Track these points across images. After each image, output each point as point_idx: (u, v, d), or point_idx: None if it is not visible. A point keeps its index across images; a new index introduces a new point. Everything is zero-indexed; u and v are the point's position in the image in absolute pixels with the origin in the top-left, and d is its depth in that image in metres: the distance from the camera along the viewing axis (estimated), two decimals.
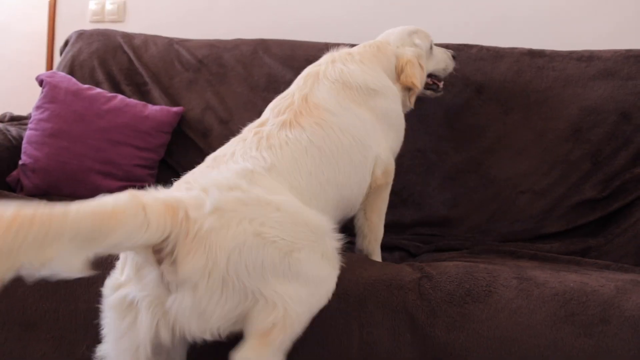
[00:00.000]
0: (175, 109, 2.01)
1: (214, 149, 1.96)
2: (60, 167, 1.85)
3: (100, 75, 2.09)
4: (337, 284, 1.03)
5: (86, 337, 1.16)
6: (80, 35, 2.17)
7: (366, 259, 1.36)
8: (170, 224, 0.91)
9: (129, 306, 1.00)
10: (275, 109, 1.33)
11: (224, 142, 1.96)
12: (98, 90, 1.98)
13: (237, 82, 2.04)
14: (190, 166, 1.98)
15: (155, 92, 2.08)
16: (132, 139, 1.92)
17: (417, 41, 1.64)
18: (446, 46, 1.93)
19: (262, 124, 1.29)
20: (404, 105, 1.57)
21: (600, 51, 1.88)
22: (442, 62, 1.76)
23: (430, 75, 1.73)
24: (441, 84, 1.78)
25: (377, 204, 1.44)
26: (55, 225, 0.82)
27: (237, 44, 2.10)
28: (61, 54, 2.21)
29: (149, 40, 2.16)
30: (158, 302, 0.96)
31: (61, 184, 1.86)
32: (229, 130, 2.00)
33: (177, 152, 2.03)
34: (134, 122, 1.93)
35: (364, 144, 1.33)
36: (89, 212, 0.86)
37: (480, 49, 1.91)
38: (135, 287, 0.99)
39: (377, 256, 1.47)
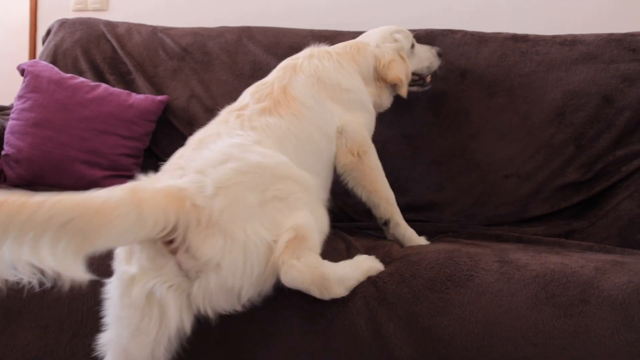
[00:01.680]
0: (160, 97, 2.00)
1: None
2: (44, 157, 1.84)
3: (83, 65, 2.07)
4: None
5: (72, 325, 1.17)
6: (63, 24, 2.15)
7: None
8: (174, 217, 0.91)
9: (149, 299, 0.97)
10: (256, 94, 1.37)
11: None
12: (81, 79, 1.96)
13: (222, 70, 2.03)
14: None
15: (140, 81, 2.06)
16: (116, 128, 1.91)
17: (398, 36, 1.67)
18: (430, 32, 1.93)
19: (243, 108, 1.32)
20: (378, 106, 1.63)
21: (583, 35, 1.89)
22: (426, 60, 1.77)
23: (414, 73, 1.75)
24: (428, 78, 1.80)
25: (368, 173, 1.44)
26: (26, 213, 0.78)
27: (222, 31, 2.09)
28: (43, 43, 2.18)
29: (132, 28, 2.14)
30: (182, 289, 0.97)
31: (45, 174, 1.85)
32: (214, 117, 1.99)
33: (162, 140, 2.02)
34: (118, 111, 1.91)
35: (331, 138, 1.40)
36: (71, 203, 0.82)
37: (465, 34, 1.91)
38: (154, 278, 0.97)
39: (399, 217, 1.47)
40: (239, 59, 2.02)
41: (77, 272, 0.84)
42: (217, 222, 0.94)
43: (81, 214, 0.82)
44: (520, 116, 1.83)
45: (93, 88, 1.93)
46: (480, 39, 1.88)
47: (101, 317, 1.07)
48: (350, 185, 1.45)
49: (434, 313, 1.02)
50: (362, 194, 1.46)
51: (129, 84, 2.07)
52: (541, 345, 0.97)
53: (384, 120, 1.68)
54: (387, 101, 1.66)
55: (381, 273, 1.10)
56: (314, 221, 1.05)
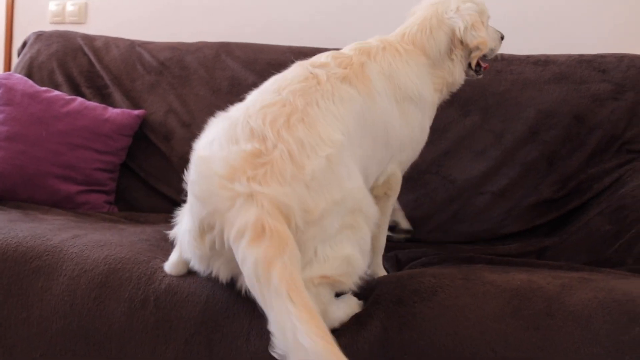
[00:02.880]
0: (136, 111, 1.99)
1: (176, 152, 1.99)
2: (17, 171, 1.81)
3: (59, 78, 2.06)
4: None
5: (39, 345, 1.14)
6: (39, 36, 2.14)
7: None
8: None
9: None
10: (337, 59, 1.28)
11: (187, 145, 1.97)
12: (56, 92, 1.95)
13: (200, 85, 2.03)
14: (152, 169, 2.00)
15: (117, 95, 2.06)
16: (91, 142, 1.89)
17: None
18: None
19: (324, 66, 1.25)
20: (450, 86, 1.49)
21: (555, 56, 1.93)
22: (493, 41, 1.59)
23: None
24: (484, 66, 1.59)
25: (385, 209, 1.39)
26: None
27: (200, 46, 2.10)
28: (19, 55, 2.16)
29: (110, 42, 2.14)
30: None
31: (18, 189, 1.82)
32: (191, 133, 1.99)
33: (138, 155, 2.01)
34: (94, 125, 1.90)
35: (388, 142, 1.31)
36: None
37: None
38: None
39: (378, 267, 1.38)
40: (217, 75, 2.03)
41: None
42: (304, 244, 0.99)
43: None
44: (495, 134, 1.86)
45: (68, 102, 1.92)
46: None
47: (71, 338, 1.07)
48: None
49: (403, 327, 1.02)
50: None
51: (105, 98, 2.06)
52: (509, 358, 0.97)
53: None
54: (460, 77, 1.50)
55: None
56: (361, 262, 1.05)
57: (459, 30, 1.45)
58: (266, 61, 1.98)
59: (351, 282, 1.03)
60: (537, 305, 1.03)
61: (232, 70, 2.02)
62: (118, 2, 2.41)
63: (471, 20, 1.45)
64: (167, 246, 1.30)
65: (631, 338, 0.99)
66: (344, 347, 0.99)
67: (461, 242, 1.79)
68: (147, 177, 1.99)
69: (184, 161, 1.96)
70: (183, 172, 1.93)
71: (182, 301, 1.09)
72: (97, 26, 2.37)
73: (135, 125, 1.98)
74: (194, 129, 1.99)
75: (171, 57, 2.08)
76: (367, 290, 1.11)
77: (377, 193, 1.36)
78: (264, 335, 1.03)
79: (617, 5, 2.07)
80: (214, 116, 1.96)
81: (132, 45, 2.12)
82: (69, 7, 2.43)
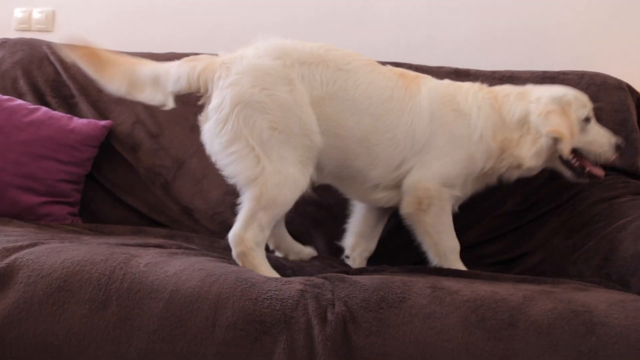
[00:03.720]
0: (103, 122, 1.96)
1: (143, 164, 1.96)
2: None
3: (23, 86, 2.02)
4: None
5: None
6: (3, 44, 2.10)
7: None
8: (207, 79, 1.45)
9: None
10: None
11: (154, 156, 1.97)
12: (19, 101, 1.91)
13: None
14: (119, 181, 1.97)
15: (84, 105, 2.03)
16: (55, 153, 1.85)
17: (569, 97, 1.55)
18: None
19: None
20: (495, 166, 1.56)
21: (520, 72, 1.98)
22: (598, 145, 1.56)
23: (575, 151, 1.56)
24: (589, 167, 1.57)
25: (424, 228, 1.54)
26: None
27: (170, 57, 2.06)
28: None
29: None
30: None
31: None
32: (159, 144, 1.98)
33: (104, 166, 1.98)
34: (58, 136, 1.86)
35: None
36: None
37: (409, 67, 1.97)
38: None
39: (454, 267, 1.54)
40: None
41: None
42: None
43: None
44: None
45: (32, 111, 1.88)
46: (423, 72, 1.94)
47: (27, 346, 1.03)
48: None
49: (368, 333, 1.02)
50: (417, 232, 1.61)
51: (72, 108, 2.03)
52: None
53: None
54: (527, 155, 1.52)
55: (322, 290, 1.11)
56: None
57: (532, 114, 1.52)
58: None
59: None
60: (500, 315, 1.05)
61: None
62: (87, 11, 2.38)
63: (546, 109, 1.50)
64: (127, 248, 1.27)
65: (588, 348, 1.01)
66: (304, 343, 1.00)
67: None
68: (113, 188, 1.96)
69: (151, 173, 1.97)
70: (150, 184, 1.94)
71: (145, 298, 1.07)
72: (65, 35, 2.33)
73: (101, 136, 1.95)
74: (161, 140, 1.98)
75: None
76: (336, 291, 1.11)
77: (412, 203, 1.54)
78: (230, 326, 1.03)
79: (578, 25, 2.14)
80: (182, 128, 1.98)
81: None
82: (36, 15, 2.39)
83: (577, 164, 1.58)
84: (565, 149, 1.47)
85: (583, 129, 1.55)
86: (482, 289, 1.11)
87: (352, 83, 1.47)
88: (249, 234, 1.36)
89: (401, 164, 1.51)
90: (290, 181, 1.37)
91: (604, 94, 1.82)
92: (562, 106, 1.50)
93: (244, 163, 1.37)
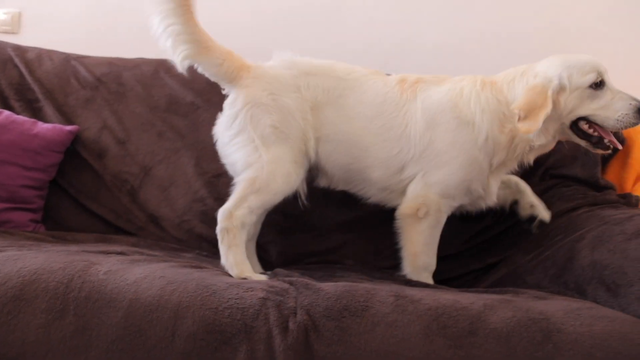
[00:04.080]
0: (69, 127, 1.93)
1: (109, 170, 1.93)
2: None
3: None
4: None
5: None
6: None
7: None
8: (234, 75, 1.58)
9: None
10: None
11: (121, 163, 1.94)
12: None
13: (137, 102, 1.99)
14: (84, 188, 1.94)
15: (49, 110, 1.98)
16: (18, 158, 1.81)
17: (562, 72, 1.48)
18: None
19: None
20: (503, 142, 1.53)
21: None
22: (611, 109, 1.47)
23: (586, 120, 1.50)
24: (608, 138, 1.50)
25: (411, 235, 1.56)
26: None
27: (138, 63, 2.06)
28: None
29: (43, 54, 2.07)
30: None
31: None
32: (126, 150, 1.95)
33: (70, 172, 1.94)
34: (21, 140, 1.82)
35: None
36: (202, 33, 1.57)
37: None
38: None
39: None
40: (154, 92, 2.00)
41: (182, 66, 1.60)
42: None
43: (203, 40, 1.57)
44: None
45: None
46: None
47: None
48: None
49: (330, 341, 1.02)
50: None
51: (36, 112, 1.98)
52: None
53: None
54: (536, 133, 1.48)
55: (285, 298, 1.10)
56: None
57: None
58: (205, 80, 1.95)
59: None
60: (461, 323, 1.06)
61: (171, 88, 1.99)
62: (55, 13, 2.33)
63: (526, 88, 1.48)
64: (87, 255, 1.25)
65: (545, 354, 1.04)
66: (265, 353, 0.99)
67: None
68: (78, 195, 1.92)
69: (118, 180, 1.94)
70: (116, 191, 1.91)
71: (104, 307, 1.05)
72: (31, 38, 2.27)
73: (67, 142, 1.91)
74: (129, 146, 1.95)
75: (108, 73, 2.03)
76: (299, 298, 1.11)
77: (408, 212, 1.57)
78: (190, 336, 1.02)
79: (551, 31, 2.22)
80: (149, 134, 1.96)
81: (67, 58, 2.06)
82: (1, 16, 2.33)
83: (595, 133, 1.50)
84: (521, 128, 1.45)
85: (591, 96, 1.48)
86: (445, 297, 1.12)
87: (350, 90, 1.59)
88: (238, 212, 1.47)
89: (403, 169, 1.56)
90: (284, 173, 1.50)
91: None
92: (537, 85, 1.47)
93: (244, 151, 1.52)
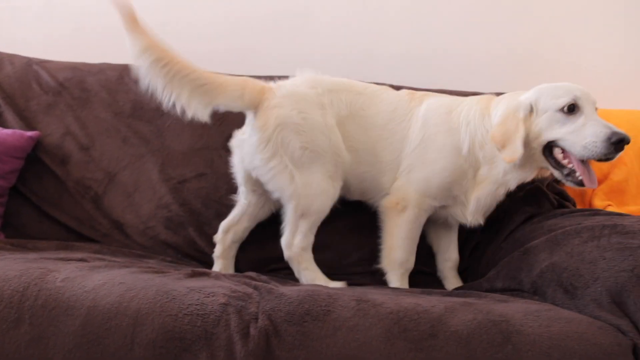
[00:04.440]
0: (30, 133, 1.88)
1: (72, 177, 1.89)
2: None
3: None
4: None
5: None
6: None
7: None
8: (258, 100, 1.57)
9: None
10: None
11: (84, 169, 1.90)
12: None
13: (101, 107, 1.96)
14: (46, 194, 1.89)
15: (9, 115, 1.94)
16: None
17: (535, 96, 1.49)
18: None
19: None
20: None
21: (452, 91, 2.04)
22: (580, 135, 1.41)
23: (556, 145, 1.48)
24: (579, 174, 1.43)
25: (390, 227, 1.62)
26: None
27: (103, 68, 2.03)
28: None
29: (4, 58, 2.03)
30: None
31: None
32: (90, 156, 1.91)
33: (30, 179, 1.89)
34: None
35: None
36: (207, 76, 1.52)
37: None
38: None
39: (394, 280, 1.62)
40: (119, 97, 1.97)
41: (203, 115, 1.53)
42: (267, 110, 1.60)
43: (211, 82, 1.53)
44: None
45: None
46: None
47: None
48: None
49: (291, 347, 1.02)
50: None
51: None
52: None
53: None
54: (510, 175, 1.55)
55: (246, 303, 1.10)
56: None
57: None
58: None
59: None
60: (422, 326, 1.07)
61: (136, 94, 1.97)
62: (17, 18, 2.28)
63: (501, 115, 1.52)
64: (45, 262, 1.22)
65: (505, 356, 1.05)
66: (225, 358, 0.98)
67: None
68: (40, 202, 1.87)
69: (81, 186, 1.90)
70: (79, 198, 1.87)
71: (61, 315, 1.03)
72: None
73: (27, 148, 1.87)
74: (93, 152, 1.92)
75: (71, 78, 1.99)
76: (262, 303, 1.10)
77: (387, 205, 1.65)
78: (150, 344, 1.00)
79: (510, 48, 2.26)
80: (113, 140, 1.93)
81: (28, 62, 2.02)
82: None
83: (569, 165, 1.47)
84: (505, 158, 1.47)
85: (561, 120, 1.44)
86: (406, 301, 1.13)
87: (368, 103, 1.67)
88: (295, 240, 1.57)
89: (398, 164, 1.62)
90: (320, 192, 1.55)
91: None
92: (509, 109, 1.50)
93: (281, 178, 1.56)
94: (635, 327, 1.13)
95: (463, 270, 1.80)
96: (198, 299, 1.06)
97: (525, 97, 1.52)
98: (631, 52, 2.33)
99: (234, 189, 1.81)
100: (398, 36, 2.29)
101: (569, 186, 1.49)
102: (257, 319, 1.05)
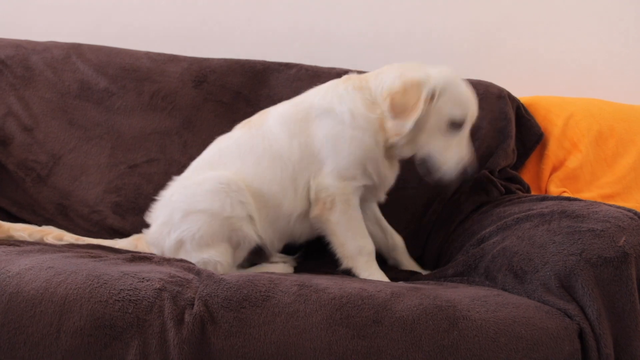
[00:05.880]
0: None
1: (14, 159, 1.79)
2: None
3: None
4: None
5: None
6: None
7: None
8: None
9: None
10: None
11: (27, 151, 1.80)
12: None
13: (46, 87, 1.87)
14: None
15: None
16: None
17: (443, 84, 1.42)
18: (267, 66, 1.93)
19: None
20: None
21: None
22: (444, 155, 1.46)
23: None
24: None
25: (331, 229, 1.49)
26: None
27: (49, 46, 1.93)
28: None
29: None
30: None
31: None
32: (34, 138, 1.82)
33: None
34: None
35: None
36: None
37: (300, 68, 1.95)
38: None
39: (362, 271, 1.48)
40: (65, 77, 1.88)
41: None
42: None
43: None
44: None
45: None
46: (314, 74, 1.92)
47: None
48: None
49: (228, 334, 0.98)
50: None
51: None
52: None
53: None
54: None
55: (183, 289, 1.05)
56: None
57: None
58: (120, 66, 1.88)
59: None
60: (365, 312, 1.04)
61: (83, 74, 1.88)
62: None
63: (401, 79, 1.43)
64: None
65: (450, 342, 1.03)
66: (158, 348, 0.94)
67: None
68: None
69: (22, 168, 1.80)
70: (20, 181, 1.77)
71: None
72: None
73: None
74: (36, 133, 1.82)
75: (14, 56, 1.88)
76: (200, 289, 1.05)
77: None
78: (77, 332, 0.95)
79: (464, 33, 2.25)
80: (59, 122, 1.83)
81: None
82: None
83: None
84: (390, 129, 1.43)
85: (443, 131, 1.44)
86: (351, 286, 1.10)
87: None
88: None
89: (294, 183, 1.51)
90: None
91: (486, 103, 1.87)
92: (414, 78, 1.41)
93: None
94: (582, 311, 1.13)
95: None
96: (131, 284, 1.00)
97: (435, 74, 1.42)
98: (591, 40, 2.33)
99: None
100: (356, 19, 2.24)
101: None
102: (193, 304, 1.00)
